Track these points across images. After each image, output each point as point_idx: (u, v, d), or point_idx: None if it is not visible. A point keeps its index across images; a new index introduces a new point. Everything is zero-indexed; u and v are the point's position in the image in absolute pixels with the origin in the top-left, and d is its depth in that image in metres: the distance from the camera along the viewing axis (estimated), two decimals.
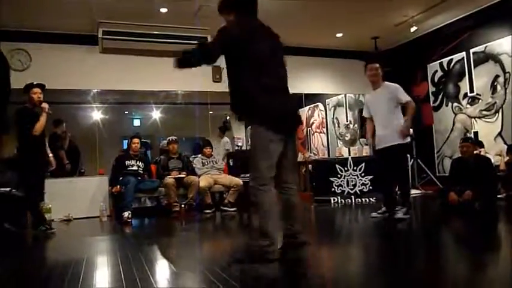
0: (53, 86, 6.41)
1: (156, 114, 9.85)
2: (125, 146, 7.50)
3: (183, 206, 6.14)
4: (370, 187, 6.73)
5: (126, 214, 5.63)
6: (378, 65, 4.73)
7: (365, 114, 4.98)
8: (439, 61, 7.79)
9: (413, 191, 7.21)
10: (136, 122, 10.67)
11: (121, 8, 5.94)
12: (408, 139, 4.72)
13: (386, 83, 4.75)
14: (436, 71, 7.89)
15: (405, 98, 4.62)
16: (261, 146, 2.69)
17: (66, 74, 6.52)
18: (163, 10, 6.19)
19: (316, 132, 10.10)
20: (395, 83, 4.73)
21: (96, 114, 9.51)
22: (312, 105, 10.13)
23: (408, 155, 7.12)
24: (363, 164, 6.81)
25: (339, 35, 7.69)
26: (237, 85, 2.76)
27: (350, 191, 6.78)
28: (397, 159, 4.62)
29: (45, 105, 4.94)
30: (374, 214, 4.83)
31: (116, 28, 6.28)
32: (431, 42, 7.83)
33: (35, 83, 5.03)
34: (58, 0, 5.59)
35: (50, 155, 5.39)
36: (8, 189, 5.55)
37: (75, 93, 7.40)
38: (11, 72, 6.11)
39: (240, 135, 11.80)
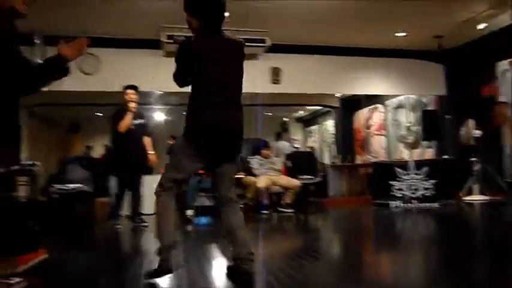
0: (119, 88, 6.77)
1: None
2: None
3: (240, 206, 6.22)
4: (434, 192, 6.47)
5: (188, 212, 5.82)
6: None
7: None
8: (510, 60, 7.33)
9: (480, 197, 6.84)
10: None
11: (183, 12, 6.14)
12: None
13: None
14: (507, 70, 7.44)
15: None
16: (175, 157, 2.63)
17: (131, 76, 6.80)
18: (225, 14, 6.33)
19: (375, 134, 9.87)
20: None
21: (159, 115, 9.91)
22: (371, 107, 9.91)
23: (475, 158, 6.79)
24: (426, 168, 6.56)
25: (400, 34, 7.46)
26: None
27: (411, 195, 6.55)
28: None
29: (131, 104, 5.29)
30: None
31: (178, 32, 6.50)
32: (501, 40, 7.39)
33: (129, 84, 5.47)
34: (125, 8, 5.88)
35: (151, 152, 5.51)
36: (79, 185, 5.93)
37: (140, 95, 7.73)
38: (82, 75, 6.54)
39: (298, 137, 11.80)
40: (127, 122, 5.20)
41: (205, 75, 2.46)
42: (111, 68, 6.67)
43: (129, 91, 5.38)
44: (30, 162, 5.84)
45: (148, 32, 6.67)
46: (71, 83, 6.45)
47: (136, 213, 5.40)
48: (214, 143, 2.43)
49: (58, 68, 2.05)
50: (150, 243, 4.27)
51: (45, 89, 2.16)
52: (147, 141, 5.49)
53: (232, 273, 2.47)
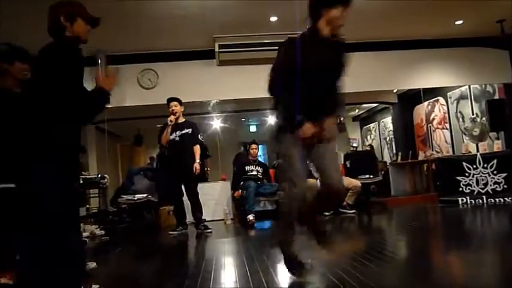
0: None
1: (271, 119, 10.13)
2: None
3: None
4: (505, 186, 6.12)
5: (250, 217, 5.90)
6: None
7: None
8: None
9: None
10: (253, 128, 11.11)
11: (234, 21, 6.25)
12: None
13: None
14: None
15: None
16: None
17: (188, 88, 7.04)
18: (273, 19, 6.37)
19: (437, 128, 9.47)
20: None
21: (216, 123, 10.13)
22: (431, 100, 9.53)
23: None
24: (495, 161, 6.21)
25: (458, 22, 7.12)
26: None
27: (481, 190, 6.23)
28: None
29: (171, 117, 5.49)
30: None
31: (230, 41, 6.63)
32: None
33: (172, 97, 5.68)
34: (178, 22, 6.08)
35: (197, 161, 5.55)
36: (145, 195, 6.20)
37: (197, 105, 7.95)
38: (142, 90, 6.86)
39: (356, 136, 11.60)
40: (165, 135, 5.48)
41: None
42: (168, 80, 6.93)
43: (171, 103, 5.57)
44: (99, 175, 6.20)
45: (201, 43, 6.86)
46: (132, 98, 6.83)
47: (197, 221, 5.53)
48: None
49: (104, 98, 2.23)
50: (210, 249, 4.38)
51: (109, 105, 2.33)
52: (195, 149, 5.54)
53: None
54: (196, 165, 5.42)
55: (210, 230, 5.40)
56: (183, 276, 2.93)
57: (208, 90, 7.19)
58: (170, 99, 5.61)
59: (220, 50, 6.63)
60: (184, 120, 5.67)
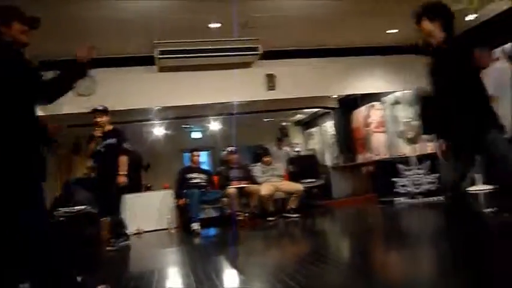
0: (116, 107, 6.75)
1: (214, 125, 10.09)
2: (185, 159, 7.75)
3: (246, 214, 6.24)
4: (438, 185, 6.47)
5: (195, 226, 5.81)
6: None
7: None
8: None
9: (483, 187, 6.83)
10: (196, 135, 10.99)
11: (174, 27, 6.17)
12: None
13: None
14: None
15: None
16: None
17: (128, 94, 6.85)
18: (214, 25, 6.35)
19: (375, 132, 9.85)
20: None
21: (158, 130, 9.92)
22: (368, 105, 9.91)
23: None
24: (428, 162, 6.56)
25: (394, 31, 7.49)
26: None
27: (415, 190, 6.55)
28: None
29: (97, 131, 5.24)
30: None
31: (171, 47, 6.53)
32: (488, 31, 7.40)
33: (99, 107, 5.34)
34: (117, 27, 5.91)
35: (121, 173, 5.26)
36: (83, 207, 5.93)
37: (137, 112, 7.75)
38: (79, 97, 6.58)
39: (298, 141, 11.80)
40: (89, 148, 5.28)
41: None
42: (107, 87, 6.70)
43: (95, 114, 5.27)
44: None
45: (141, 49, 6.71)
46: (69, 105, 6.53)
47: (115, 235, 5.26)
48: None
49: (76, 69, 2.39)
50: (153, 260, 4.27)
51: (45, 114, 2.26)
52: (121, 160, 5.23)
53: None
54: (121, 178, 5.14)
55: (128, 242, 5.31)
56: None
57: (149, 97, 7.03)
58: (94, 110, 5.29)
59: (160, 56, 6.51)
60: (111, 128, 5.35)
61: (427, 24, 2.81)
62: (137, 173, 7.19)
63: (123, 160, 5.23)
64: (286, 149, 9.10)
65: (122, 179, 5.14)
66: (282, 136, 9.78)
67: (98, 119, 5.23)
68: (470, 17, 6.88)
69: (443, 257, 3.05)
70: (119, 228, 5.29)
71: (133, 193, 6.45)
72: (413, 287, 2.34)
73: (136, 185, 6.81)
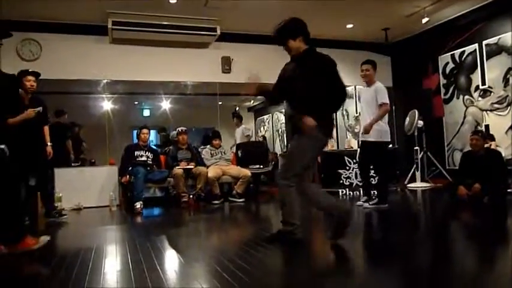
0: (63, 76, 6.43)
1: (165, 104, 9.87)
2: (135, 137, 7.55)
3: (191, 196, 6.19)
4: None
5: (138, 205, 5.67)
6: (369, 66, 5.15)
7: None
8: (451, 53, 7.69)
9: (422, 184, 7.18)
10: (146, 113, 10.72)
11: None
12: (384, 139, 4.97)
13: (377, 83, 5.11)
14: (448, 63, 7.80)
15: (381, 99, 4.93)
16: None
17: (76, 64, 6.55)
18: (173, 1, 6.17)
19: None
20: (383, 85, 5.08)
21: (106, 105, 9.55)
22: None
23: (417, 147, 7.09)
24: None
25: (350, 25, 7.61)
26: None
27: (358, 183, 6.76)
28: (371, 154, 4.99)
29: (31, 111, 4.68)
30: (359, 202, 5.30)
31: (125, 19, 6.30)
32: (443, 34, 7.72)
33: (30, 70, 4.92)
34: None
35: (49, 144, 5.07)
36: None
37: (85, 83, 7.40)
38: (23, 62, 6.20)
39: (249, 126, 11.81)
40: (17, 120, 4.52)
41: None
42: (54, 54, 6.37)
43: (30, 77, 4.78)
44: None
45: (93, 17, 6.42)
46: (10, 71, 6.13)
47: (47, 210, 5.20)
48: None
49: None
50: (92, 237, 4.14)
51: None
52: (46, 130, 5.04)
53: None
54: (48, 149, 5.01)
55: (65, 216, 5.21)
56: (57, 266, 2.72)
57: (99, 69, 6.77)
58: (29, 73, 4.82)
59: (113, 27, 6.27)
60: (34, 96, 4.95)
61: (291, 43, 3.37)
62: (63, 145, 6.88)
63: (47, 130, 5.06)
64: (243, 127, 9.16)
65: (49, 150, 5.02)
66: (237, 118, 9.74)
67: (34, 84, 4.83)
68: (425, 20, 7.12)
69: (374, 246, 3.17)
70: (49, 203, 5.17)
71: (62, 167, 6.22)
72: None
73: (63, 158, 6.54)
